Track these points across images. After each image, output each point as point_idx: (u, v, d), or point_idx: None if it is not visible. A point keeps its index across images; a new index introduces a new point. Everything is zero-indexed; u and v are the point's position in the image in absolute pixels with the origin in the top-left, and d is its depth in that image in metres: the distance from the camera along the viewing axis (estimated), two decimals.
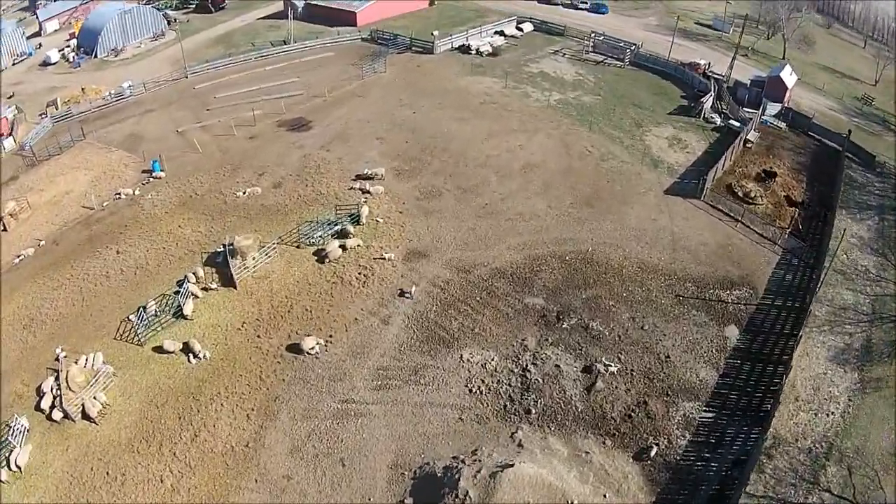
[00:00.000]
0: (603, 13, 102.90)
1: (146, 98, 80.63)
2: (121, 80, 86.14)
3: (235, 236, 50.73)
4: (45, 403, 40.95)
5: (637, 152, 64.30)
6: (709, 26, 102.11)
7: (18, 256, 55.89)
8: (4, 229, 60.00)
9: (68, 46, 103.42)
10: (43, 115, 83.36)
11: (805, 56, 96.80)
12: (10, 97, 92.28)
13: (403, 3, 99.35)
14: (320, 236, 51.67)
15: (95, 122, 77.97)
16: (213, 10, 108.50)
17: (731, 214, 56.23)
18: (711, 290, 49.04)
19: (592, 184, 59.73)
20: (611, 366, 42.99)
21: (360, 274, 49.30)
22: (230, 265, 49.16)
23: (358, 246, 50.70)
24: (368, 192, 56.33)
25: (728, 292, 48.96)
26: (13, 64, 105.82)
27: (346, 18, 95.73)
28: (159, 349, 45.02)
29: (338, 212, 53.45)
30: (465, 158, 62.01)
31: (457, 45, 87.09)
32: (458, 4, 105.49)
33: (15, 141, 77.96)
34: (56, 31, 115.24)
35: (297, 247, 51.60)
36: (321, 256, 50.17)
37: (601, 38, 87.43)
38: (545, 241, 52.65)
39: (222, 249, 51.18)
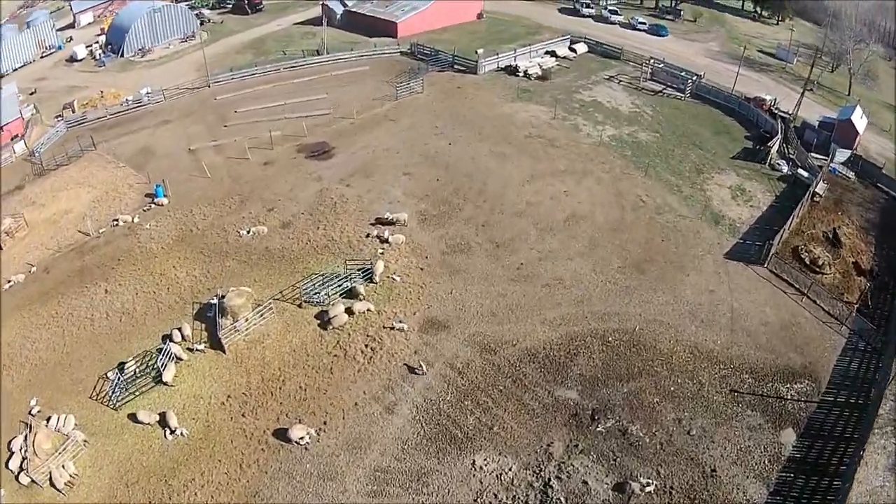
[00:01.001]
0: (662, 35, 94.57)
1: (164, 107, 75.61)
2: (142, 85, 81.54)
3: (228, 291, 44.63)
4: (14, 464, 37.85)
5: (697, 204, 56.62)
6: (772, 55, 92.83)
7: (9, 282, 51.98)
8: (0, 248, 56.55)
9: (97, 42, 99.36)
10: (59, 118, 79.16)
11: (869, 92, 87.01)
12: (32, 93, 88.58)
13: (449, 15, 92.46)
14: (326, 295, 45.02)
15: (109, 130, 73.46)
16: (249, 11, 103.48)
17: (797, 286, 48.71)
18: (770, 384, 41.72)
19: (645, 243, 52.10)
20: (648, 483, 35.75)
21: (366, 346, 42.79)
22: (218, 326, 42.94)
23: (367, 311, 43.95)
24: (387, 241, 49.74)
25: (788, 386, 41.66)
26: (41, 57, 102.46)
27: (386, 29, 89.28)
28: (134, 418, 40.02)
29: (348, 266, 46.75)
30: (502, 204, 54.94)
31: (503, 66, 79.75)
32: (508, 19, 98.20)
33: (26, 145, 73.58)
34: (90, 24, 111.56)
35: (299, 305, 45.39)
36: (324, 321, 43.55)
37: (660, 66, 79.22)
38: (586, 315, 45.28)
39: (215, 301, 45.10)
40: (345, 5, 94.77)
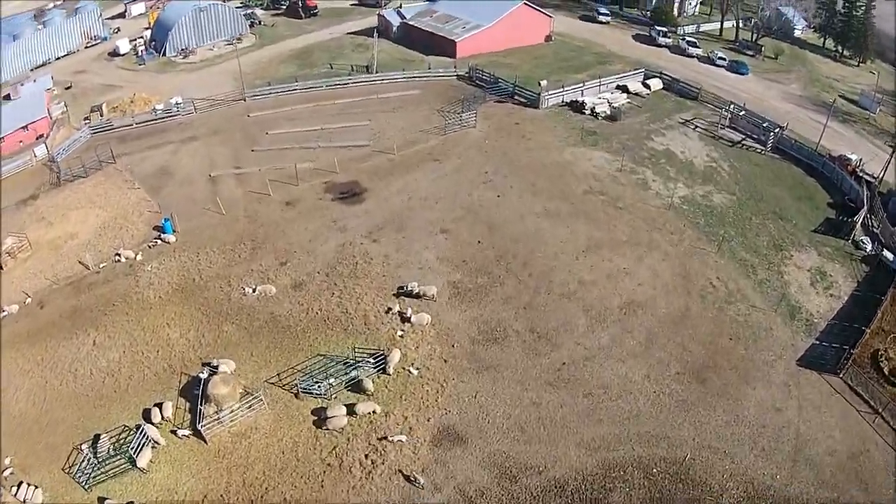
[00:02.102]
0: (743, 74, 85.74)
1: (194, 120, 71.07)
2: (177, 91, 77.34)
3: (213, 372, 39.10)
4: None
5: (772, 292, 49.30)
6: (854, 102, 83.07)
7: (2, 312, 48.92)
8: (0, 267, 53.75)
9: (141, 38, 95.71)
10: (86, 121, 75.23)
11: None
12: (68, 87, 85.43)
13: (514, 36, 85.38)
14: (328, 385, 38.93)
15: (133, 141, 69.45)
16: (303, 15, 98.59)
17: (871, 403, 41.56)
18: None
19: (710, 342, 44.80)
20: None
21: (366, 457, 36.75)
22: (199, 414, 37.41)
23: (373, 413, 37.62)
24: (409, 320, 43.30)
25: None
26: (86, 47, 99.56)
27: (444, 47, 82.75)
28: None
29: (357, 354, 40.58)
30: (550, 281, 48.09)
31: (568, 100, 72.37)
32: (579, 44, 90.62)
33: (48, 148, 69.82)
34: (141, 14, 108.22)
35: (295, 395, 39.38)
36: (321, 418, 37.46)
37: (741, 114, 70.83)
38: (631, 436, 38.32)
39: (205, 375, 39.81)
40: (402, 17, 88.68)
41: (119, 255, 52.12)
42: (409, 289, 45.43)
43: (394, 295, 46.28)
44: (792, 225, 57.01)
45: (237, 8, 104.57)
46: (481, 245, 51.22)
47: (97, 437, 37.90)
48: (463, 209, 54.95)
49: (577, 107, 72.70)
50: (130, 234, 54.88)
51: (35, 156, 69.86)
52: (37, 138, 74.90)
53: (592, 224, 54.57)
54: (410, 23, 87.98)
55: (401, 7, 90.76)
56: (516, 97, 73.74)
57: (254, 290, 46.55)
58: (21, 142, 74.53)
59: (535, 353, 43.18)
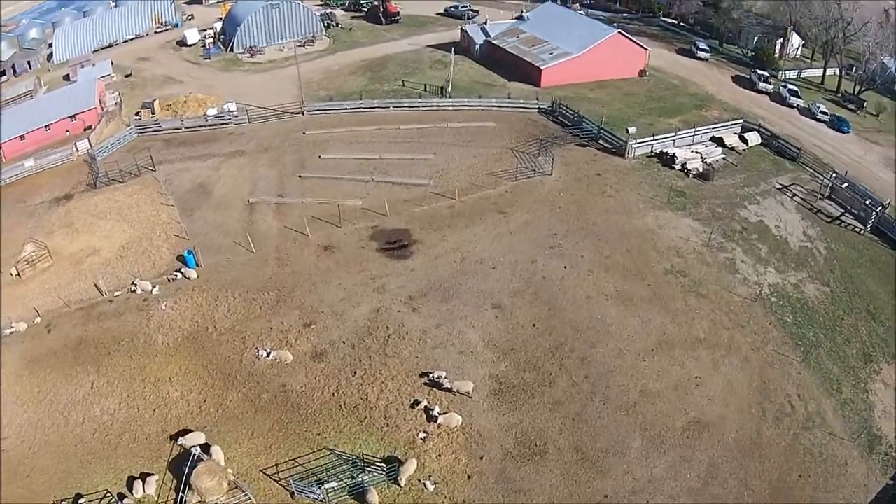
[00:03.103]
0: (844, 132, 77.17)
1: (245, 132, 67.95)
2: (236, 94, 74.57)
3: (205, 452, 35.05)
4: None
5: (854, 416, 42.45)
6: None
7: (10, 329, 47.25)
8: (18, 274, 53.02)
9: (211, 29, 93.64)
10: (137, 117, 73.07)
11: None
12: (128, 76, 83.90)
13: (605, 68, 79.14)
14: (330, 490, 34.32)
15: (177, 147, 66.87)
16: (383, 21, 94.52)
17: None
18: None
19: (776, 479, 38.66)
20: None
21: None
22: (181, 502, 33.50)
23: None
24: (437, 419, 38.18)
25: None
26: (156, 32, 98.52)
27: (528, 73, 77.33)
28: None
29: (365, 462, 35.79)
30: (607, 387, 42.30)
31: (657, 149, 65.98)
32: (674, 82, 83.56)
33: (90, 143, 67.87)
34: (217, 2, 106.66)
35: (291, 494, 34.90)
36: None
37: (843, 185, 62.95)
38: None
39: (197, 451, 36.06)
40: (486, 35, 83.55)
41: (136, 285, 49.09)
42: (442, 381, 40.20)
43: (424, 384, 41.07)
44: (885, 329, 49.45)
45: (317, 6, 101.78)
46: (536, 330, 45.65)
47: (78, 496, 36.03)
48: (522, 280, 49.46)
49: (666, 160, 66.15)
50: (152, 261, 51.96)
51: (77, 150, 68.14)
52: (84, 129, 73.33)
53: (668, 315, 48.25)
54: (494, 42, 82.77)
55: (485, 23, 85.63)
56: (601, 141, 67.64)
57: (268, 354, 42.42)
58: (67, 131, 73.21)
59: (574, 479, 37.50)
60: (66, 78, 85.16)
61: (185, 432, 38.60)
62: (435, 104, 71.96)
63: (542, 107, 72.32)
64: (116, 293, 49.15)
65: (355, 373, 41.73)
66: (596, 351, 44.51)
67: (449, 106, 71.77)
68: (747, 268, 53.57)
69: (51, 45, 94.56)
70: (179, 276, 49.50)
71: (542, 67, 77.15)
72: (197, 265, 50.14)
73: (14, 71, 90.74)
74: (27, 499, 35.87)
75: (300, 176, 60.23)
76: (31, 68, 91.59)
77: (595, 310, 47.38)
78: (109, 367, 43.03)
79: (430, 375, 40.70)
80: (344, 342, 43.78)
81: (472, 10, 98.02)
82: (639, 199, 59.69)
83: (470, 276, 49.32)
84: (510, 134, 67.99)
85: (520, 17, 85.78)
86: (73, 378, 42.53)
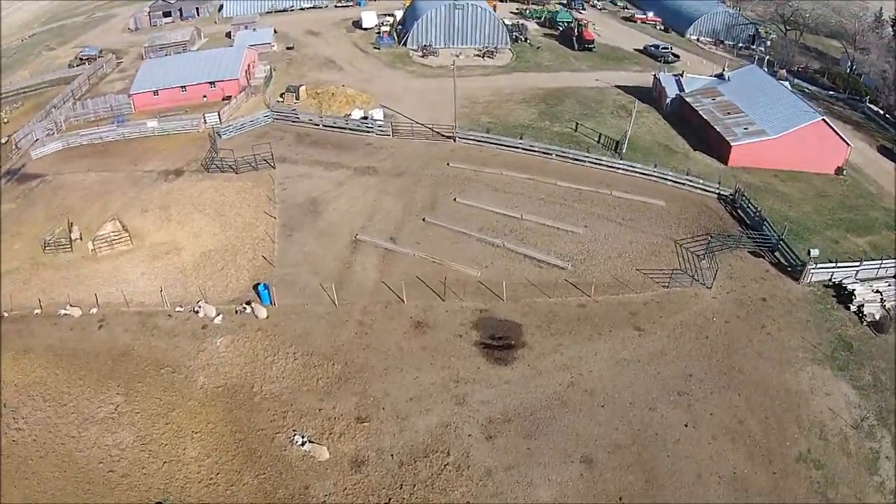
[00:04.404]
0: None
1: (385, 146, 63.47)
2: (389, 97, 69.85)
3: None
4: None
5: None
6: None
7: (64, 310, 46.47)
8: (94, 251, 52.33)
9: (391, 16, 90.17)
10: (280, 99, 70.50)
11: None
12: (290, 48, 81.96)
13: (800, 157, 67.50)
14: None
15: (306, 147, 63.71)
16: (575, 46, 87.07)
17: None
18: None
19: None
20: None
21: None
22: None
23: None
24: None
25: None
26: (335, 6, 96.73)
27: (716, 145, 67.69)
28: None
29: None
30: None
31: (837, 278, 54.51)
32: (870, 188, 69.59)
33: (220, 118, 65.95)
34: None
35: None
36: None
37: None
38: None
39: None
40: (680, 88, 74.09)
41: (199, 307, 45.17)
42: None
43: None
44: None
45: (512, 13, 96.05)
46: None
47: None
48: (630, 431, 40.69)
49: (844, 296, 54.28)
50: (227, 282, 48.16)
51: (205, 122, 66.02)
52: (223, 98, 71.62)
53: None
54: (687, 99, 73.22)
55: (682, 75, 76.08)
56: (777, 253, 56.87)
57: (303, 443, 36.91)
58: (205, 97, 71.79)
59: None
60: (228, 35, 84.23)
61: None
62: (604, 162, 63.80)
63: (722, 193, 62.41)
64: (178, 308, 45.79)
65: (389, 500, 35.31)
66: None
67: (619, 168, 63.41)
68: (888, 468, 41.93)
69: None
70: (248, 309, 45.05)
71: (732, 143, 67.31)
72: (271, 302, 45.26)
73: (181, 14, 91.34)
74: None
75: (424, 219, 54.34)
76: (198, 15, 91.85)
77: (700, 496, 38.23)
78: (140, 395, 40.33)
79: None
80: (393, 455, 37.37)
81: (672, 53, 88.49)
82: (800, 346, 48.34)
83: (571, 409, 41.30)
84: (678, 221, 58.60)
85: (720, 76, 75.65)
86: (102, 392, 40.59)
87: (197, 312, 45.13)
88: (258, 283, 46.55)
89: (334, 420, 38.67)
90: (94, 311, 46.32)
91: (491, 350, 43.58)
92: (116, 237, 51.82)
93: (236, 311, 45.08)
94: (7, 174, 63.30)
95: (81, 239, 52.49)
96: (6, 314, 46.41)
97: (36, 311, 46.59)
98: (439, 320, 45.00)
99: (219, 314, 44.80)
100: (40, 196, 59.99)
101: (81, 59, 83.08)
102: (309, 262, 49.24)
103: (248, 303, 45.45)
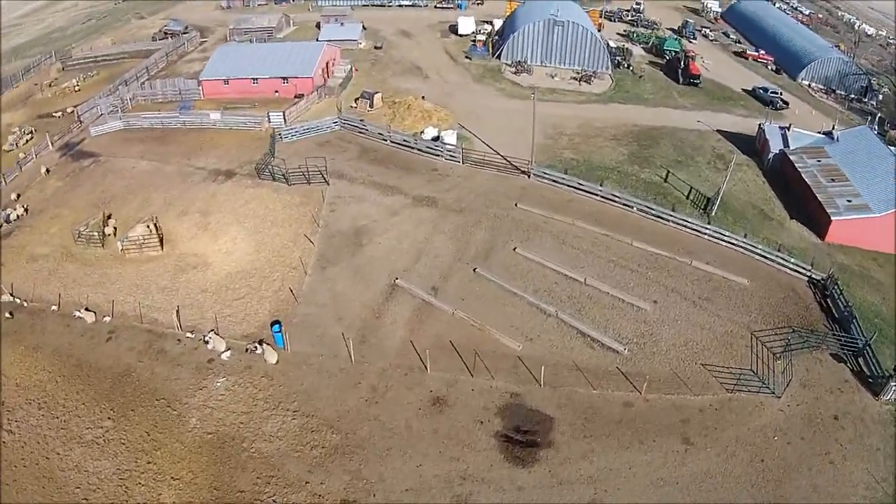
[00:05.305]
0: None
1: (450, 174, 59.82)
2: (468, 116, 66.23)
3: None
4: None
5: None
6: None
7: (78, 312, 45.61)
8: (123, 251, 51.58)
9: (489, 24, 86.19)
10: (354, 105, 67.70)
11: None
12: (378, 47, 79.19)
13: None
14: None
15: (367, 164, 61.26)
16: (680, 79, 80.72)
17: None
18: None
19: None
20: None
21: None
22: None
23: None
24: None
25: None
26: (435, 7, 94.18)
27: (814, 216, 60.44)
28: None
29: None
30: None
31: None
32: None
33: (285, 119, 64.02)
34: None
35: None
36: None
37: None
38: None
39: None
40: (785, 143, 66.92)
41: (210, 339, 42.67)
42: None
43: None
44: None
45: (618, 35, 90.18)
46: None
47: None
48: None
49: None
50: (245, 313, 45.84)
51: (269, 121, 63.75)
52: (295, 96, 69.34)
53: None
54: (791, 157, 65.93)
55: (789, 128, 68.87)
56: (860, 359, 49.76)
57: None
58: (277, 92, 69.93)
59: None
60: (318, 26, 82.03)
61: None
62: (690, 224, 57.87)
63: (814, 277, 55.39)
64: (189, 335, 43.94)
65: None
66: None
67: (705, 233, 57.39)
68: None
69: None
70: (259, 349, 42.22)
71: (833, 217, 60.00)
72: (284, 347, 42.29)
73: None
74: None
75: (475, 270, 50.26)
76: (292, 1, 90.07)
77: None
78: (130, 424, 38.83)
79: None
80: None
81: (782, 99, 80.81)
82: (861, 481, 41.32)
83: None
84: (760, 307, 51.95)
85: (828, 134, 67.85)
86: (94, 412, 39.56)
87: (206, 343, 43.00)
88: (276, 321, 43.32)
89: (319, 498, 35.56)
90: (107, 319, 45.75)
91: (511, 445, 39.34)
92: (147, 240, 50.53)
93: (247, 350, 42.54)
94: (65, 147, 62.58)
95: (115, 234, 51.52)
96: (25, 304, 46.75)
97: (53, 307, 46.38)
98: (461, 399, 41.00)
99: (228, 349, 42.77)
100: (89, 178, 59.38)
101: (165, 34, 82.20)
102: (337, 303, 46.10)
103: (261, 342, 42.72)
